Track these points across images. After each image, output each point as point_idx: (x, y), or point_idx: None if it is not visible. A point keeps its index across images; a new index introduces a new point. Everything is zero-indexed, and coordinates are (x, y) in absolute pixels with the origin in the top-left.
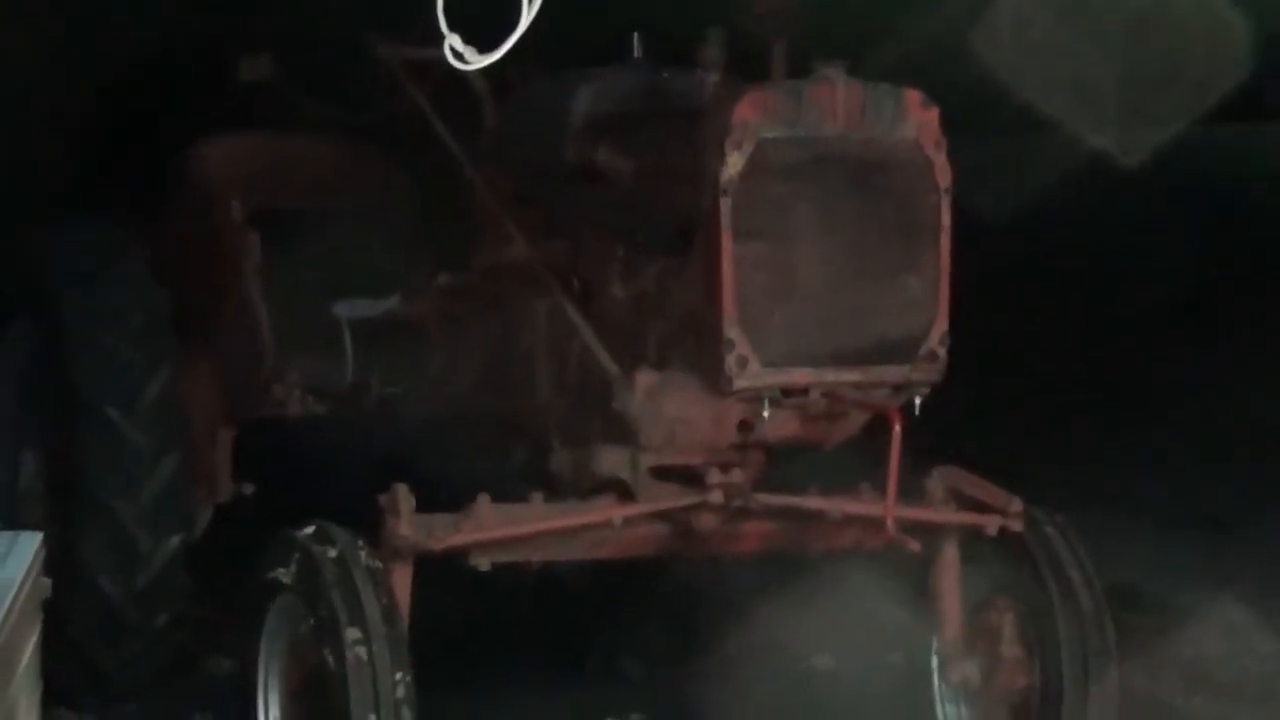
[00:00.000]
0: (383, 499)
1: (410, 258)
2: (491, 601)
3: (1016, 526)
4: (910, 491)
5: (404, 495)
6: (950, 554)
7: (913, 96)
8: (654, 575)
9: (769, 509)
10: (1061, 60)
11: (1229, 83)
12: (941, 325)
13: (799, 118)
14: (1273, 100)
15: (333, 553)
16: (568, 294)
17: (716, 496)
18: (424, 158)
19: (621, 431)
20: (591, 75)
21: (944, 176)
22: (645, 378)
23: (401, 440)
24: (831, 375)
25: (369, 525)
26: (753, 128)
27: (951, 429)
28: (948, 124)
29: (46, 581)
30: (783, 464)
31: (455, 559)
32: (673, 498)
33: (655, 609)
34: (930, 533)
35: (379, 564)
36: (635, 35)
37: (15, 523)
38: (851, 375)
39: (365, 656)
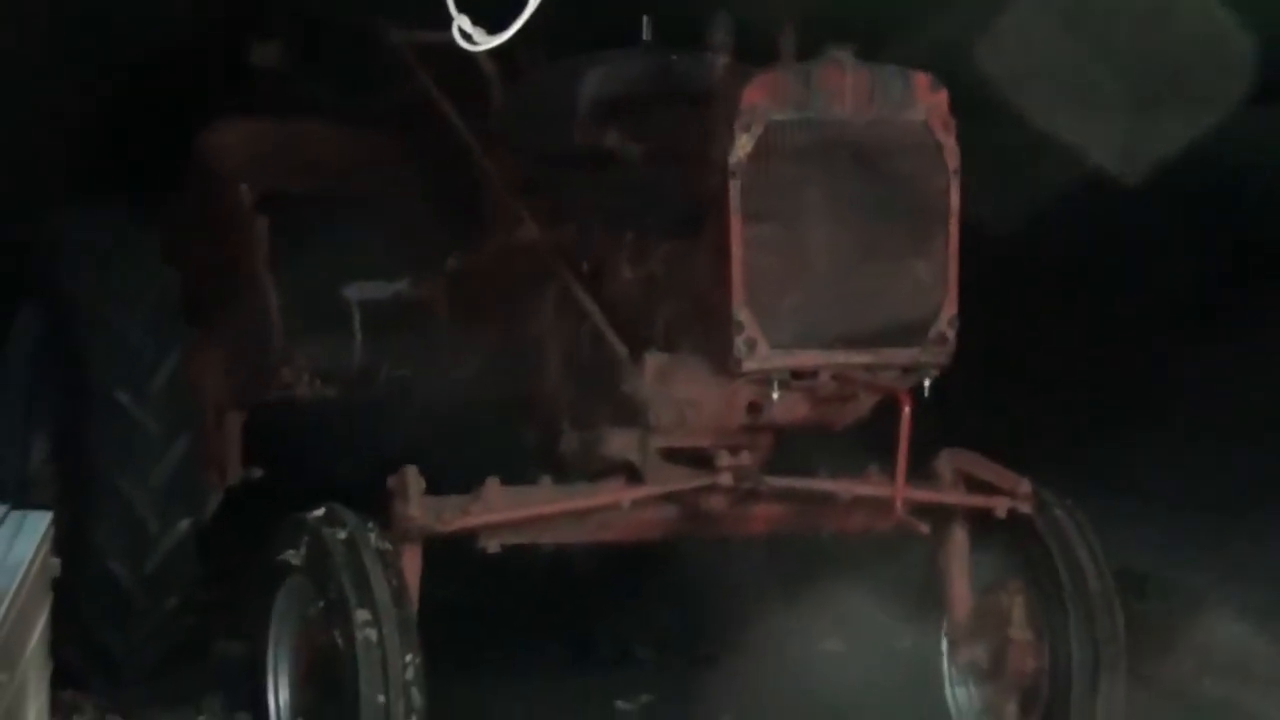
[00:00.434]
0: (392, 481)
1: (419, 241)
2: (501, 584)
3: (1026, 508)
4: (919, 474)
5: (413, 477)
6: (959, 536)
7: (921, 79)
8: (663, 558)
9: (778, 491)
10: (1069, 50)
11: (1238, 79)
12: (951, 308)
13: (808, 100)
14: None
15: (342, 535)
16: (577, 277)
17: (726, 479)
18: (433, 142)
19: (630, 414)
20: (600, 58)
21: (953, 159)
22: (654, 360)
23: (411, 423)
24: (840, 357)
25: (378, 508)
26: (761, 110)
27: (959, 413)
28: (957, 110)
29: (56, 561)
30: (791, 446)
31: (464, 541)
32: (682, 480)
33: (665, 592)
34: (939, 515)
35: (388, 546)
36: (645, 18)
37: (25, 506)
38: (860, 357)
39: (375, 638)
